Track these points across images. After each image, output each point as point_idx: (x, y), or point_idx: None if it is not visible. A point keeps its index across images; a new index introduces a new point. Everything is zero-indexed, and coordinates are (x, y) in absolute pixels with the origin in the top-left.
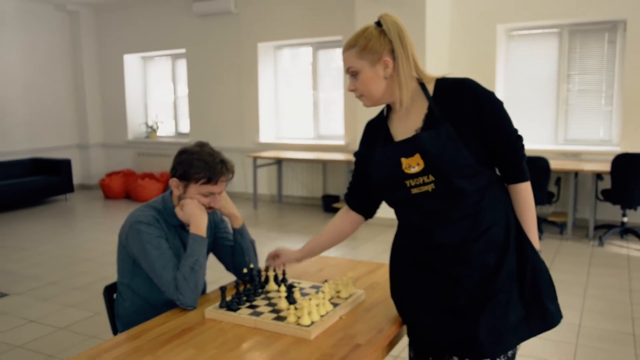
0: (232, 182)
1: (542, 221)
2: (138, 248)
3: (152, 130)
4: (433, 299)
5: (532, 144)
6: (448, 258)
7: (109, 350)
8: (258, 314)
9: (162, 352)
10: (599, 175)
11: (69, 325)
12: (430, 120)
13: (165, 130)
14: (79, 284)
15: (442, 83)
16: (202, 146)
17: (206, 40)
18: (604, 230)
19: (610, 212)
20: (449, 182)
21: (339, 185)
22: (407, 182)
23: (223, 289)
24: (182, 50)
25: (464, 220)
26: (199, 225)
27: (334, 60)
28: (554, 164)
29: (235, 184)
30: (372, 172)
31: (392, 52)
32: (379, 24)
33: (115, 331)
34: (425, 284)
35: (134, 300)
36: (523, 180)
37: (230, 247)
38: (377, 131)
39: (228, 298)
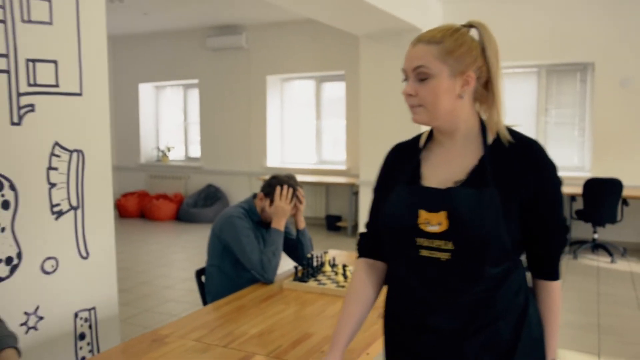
0: None
1: None
2: (232, 236)
3: (164, 154)
4: None
5: None
6: (438, 347)
7: (222, 306)
8: (323, 284)
9: (263, 306)
10: (573, 197)
11: (126, 318)
12: (477, 175)
13: (176, 154)
14: (121, 287)
15: (506, 135)
16: (289, 177)
17: (218, 72)
18: (578, 245)
19: (583, 230)
20: (470, 259)
21: (341, 206)
22: (418, 240)
23: (296, 268)
24: (195, 81)
25: (469, 305)
26: (280, 222)
27: (336, 91)
28: None
29: None
30: (383, 209)
31: (479, 69)
32: (468, 28)
33: (205, 304)
34: None
35: (222, 278)
36: (556, 278)
37: (293, 241)
38: (405, 161)
39: (299, 275)
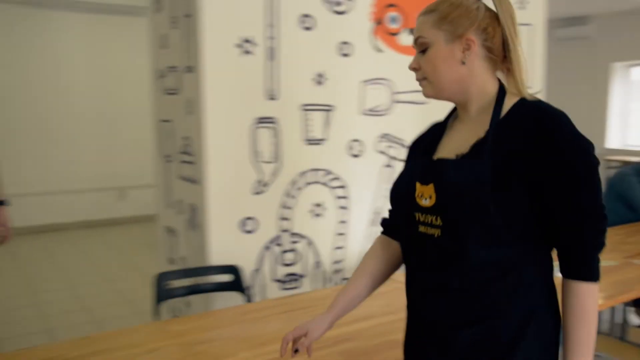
0: None
1: None
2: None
3: None
4: None
5: None
6: (431, 340)
7: None
8: None
9: None
10: None
11: None
12: (478, 149)
13: None
14: None
15: (523, 104)
16: None
17: (564, 59)
18: None
19: None
20: (456, 237)
21: None
22: (417, 215)
23: None
24: None
25: (462, 292)
26: None
27: None
28: None
29: None
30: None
31: (484, 31)
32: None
33: None
34: None
35: None
36: (586, 278)
37: None
38: (431, 137)
39: None
